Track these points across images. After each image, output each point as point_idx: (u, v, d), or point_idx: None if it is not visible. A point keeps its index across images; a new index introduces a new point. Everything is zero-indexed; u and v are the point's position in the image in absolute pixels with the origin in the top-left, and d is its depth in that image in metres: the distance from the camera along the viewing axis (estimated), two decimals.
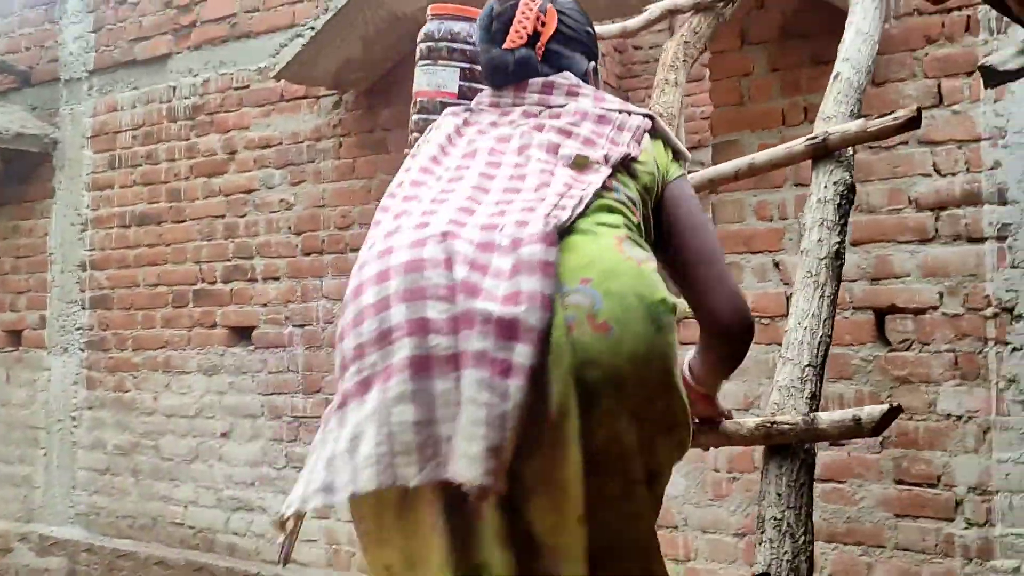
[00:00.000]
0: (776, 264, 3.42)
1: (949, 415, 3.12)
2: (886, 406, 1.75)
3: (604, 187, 1.31)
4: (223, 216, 4.79)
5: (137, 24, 5.17)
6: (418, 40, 1.84)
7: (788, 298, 3.34)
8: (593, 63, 1.57)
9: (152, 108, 5.09)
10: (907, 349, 3.21)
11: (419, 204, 1.31)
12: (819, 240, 2.04)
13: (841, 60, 2.28)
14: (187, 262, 4.91)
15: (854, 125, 2.12)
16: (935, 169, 3.17)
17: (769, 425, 1.83)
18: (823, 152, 2.14)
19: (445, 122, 1.48)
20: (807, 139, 2.16)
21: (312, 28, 3.89)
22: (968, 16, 3.12)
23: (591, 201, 1.27)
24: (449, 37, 1.79)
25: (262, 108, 4.69)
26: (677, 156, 1.48)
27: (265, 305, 4.63)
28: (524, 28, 1.47)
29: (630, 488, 1.22)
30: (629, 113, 1.44)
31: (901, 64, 3.22)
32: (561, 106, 1.44)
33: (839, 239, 2.04)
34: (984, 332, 3.08)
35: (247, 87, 4.74)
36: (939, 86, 3.16)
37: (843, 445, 3.28)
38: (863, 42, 2.30)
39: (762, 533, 1.76)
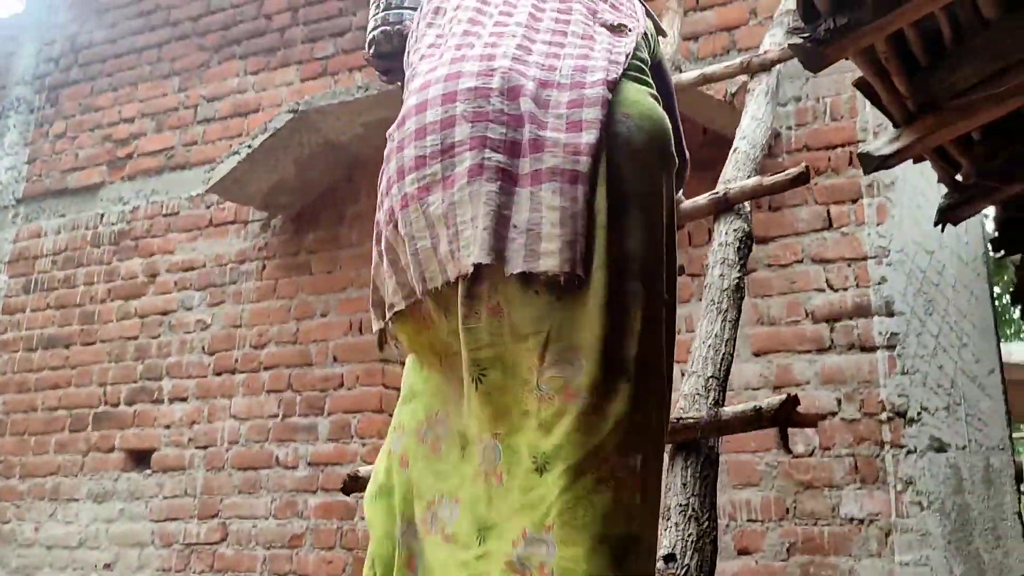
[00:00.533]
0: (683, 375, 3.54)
1: (852, 519, 3.17)
2: (784, 395, 1.83)
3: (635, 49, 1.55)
4: (136, 338, 4.74)
5: (73, 155, 5.30)
6: None
7: None
8: None
9: (77, 234, 5.13)
10: (810, 455, 3.30)
11: (479, 38, 1.50)
12: (721, 275, 2.19)
13: (739, 138, 2.53)
14: (91, 384, 4.78)
15: (751, 181, 2.33)
16: (828, 285, 3.41)
17: (675, 421, 1.89)
18: (724, 205, 2.33)
19: None
20: (710, 194, 2.35)
21: (249, 147, 4.07)
22: (851, 152, 3.49)
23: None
24: None
25: (189, 233, 4.77)
26: (659, 33, 1.80)
27: (168, 427, 4.50)
28: None
29: (651, 298, 1.35)
30: None
31: (795, 193, 3.52)
32: None
33: (739, 275, 2.19)
34: (880, 436, 3.21)
35: (177, 213, 4.85)
36: (828, 211, 3.47)
37: (751, 553, 3.28)
38: (757, 125, 2.57)
39: (667, 520, 1.76)
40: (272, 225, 4.56)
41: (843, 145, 3.50)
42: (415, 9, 1.81)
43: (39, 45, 5.74)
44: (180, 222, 4.82)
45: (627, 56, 1.49)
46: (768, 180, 2.31)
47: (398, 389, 4.44)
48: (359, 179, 4.43)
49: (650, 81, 1.54)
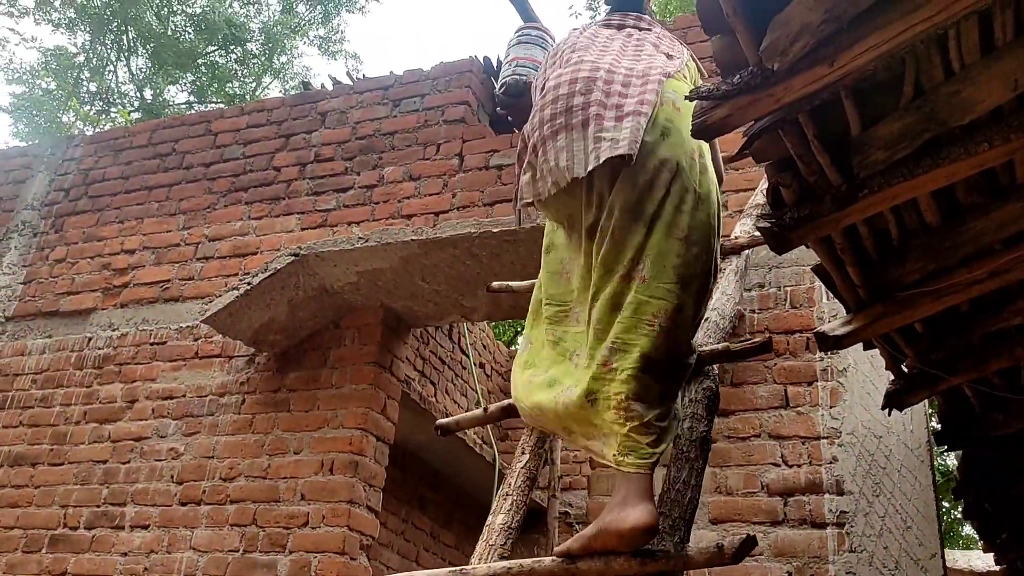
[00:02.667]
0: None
1: None
2: (744, 535, 2.00)
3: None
4: (105, 462, 4.78)
5: (69, 280, 5.50)
6: (515, 33, 3.23)
7: None
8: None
9: (61, 355, 5.25)
10: None
11: (586, 60, 2.51)
12: (690, 427, 2.40)
13: (711, 309, 2.81)
14: (53, 506, 4.78)
15: (720, 346, 2.58)
16: (783, 460, 3.61)
17: (644, 554, 2.05)
18: (696, 367, 2.57)
19: (590, 28, 2.76)
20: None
21: (249, 284, 4.30)
22: (808, 338, 3.78)
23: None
24: (536, 35, 3.20)
25: (174, 363, 4.92)
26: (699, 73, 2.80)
27: (125, 554, 4.48)
28: None
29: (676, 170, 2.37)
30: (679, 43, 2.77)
31: (755, 371, 3.80)
32: (649, 29, 2.75)
33: (705, 429, 2.40)
34: None
35: (164, 343, 5.01)
36: (786, 391, 3.73)
37: None
38: (727, 300, 2.86)
39: None
40: (256, 361, 4.73)
41: (801, 331, 3.80)
42: (534, 69, 3.00)
43: (52, 175, 6.05)
44: (166, 352, 4.98)
45: (676, 68, 2.54)
46: (736, 346, 2.56)
47: (362, 532, 4.49)
48: (346, 325, 4.66)
49: (686, 81, 2.58)
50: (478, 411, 2.79)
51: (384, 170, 5.01)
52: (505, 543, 2.26)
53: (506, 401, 2.74)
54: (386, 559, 6.13)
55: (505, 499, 2.39)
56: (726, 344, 2.59)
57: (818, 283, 3.90)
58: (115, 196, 5.71)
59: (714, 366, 2.58)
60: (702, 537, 3.58)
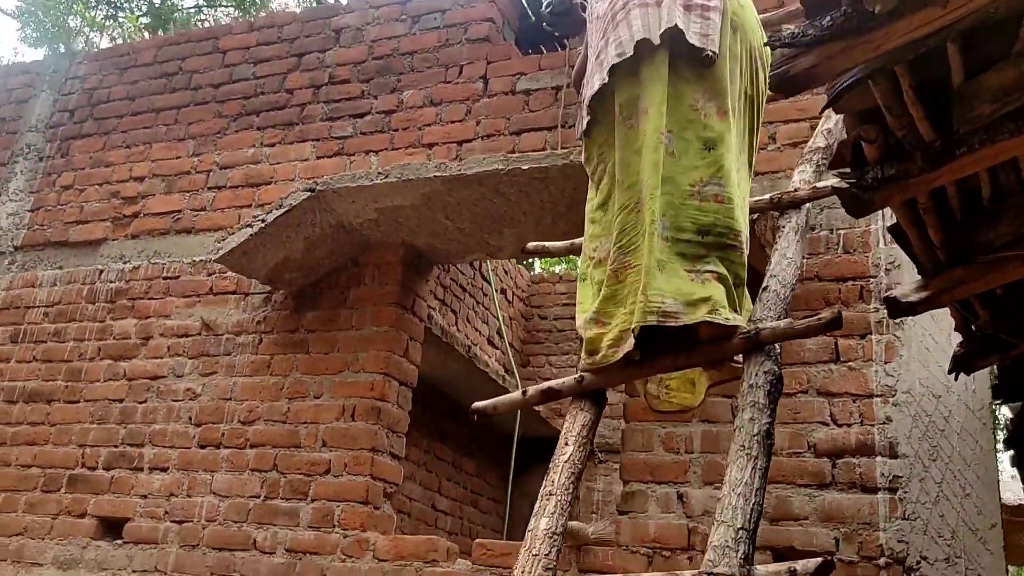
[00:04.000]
0: (680, 496, 3.48)
1: None
2: (820, 559, 1.78)
3: None
4: (121, 400, 4.63)
5: (78, 208, 5.26)
6: None
7: (690, 530, 3.39)
8: None
9: (72, 288, 5.05)
10: None
11: None
12: (751, 419, 2.14)
13: (770, 276, 2.53)
14: (70, 445, 4.65)
15: (783, 323, 2.31)
16: (832, 419, 3.39)
17: (706, 575, 1.83)
18: (755, 345, 2.30)
19: None
20: (741, 334, 2.33)
21: (263, 221, 4.05)
22: (861, 286, 3.51)
23: None
24: None
25: (188, 299, 4.72)
26: None
27: (145, 496, 4.37)
28: None
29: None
30: None
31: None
32: None
33: (768, 420, 2.14)
34: None
35: (177, 277, 4.80)
36: (836, 344, 3.47)
37: None
38: (788, 264, 2.57)
39: None
40: (273, 299, 4.52)
41: (855, 279, 3.53)
42: None
43: (55, 95, 5.75)
44: (180, 286, 4.77)
45: None
46: (800, 323, 2.30)
47: (386, 480, 4.30)
48: (365, 262, 4.42)
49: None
50: (516, 394, 2.57)
51: (403, 94, 4.68)
52: (550, 552, 2.04)
53: (545, 384, 2.51)
54: (408, 490, 6.04)
55: (548, 499, 2.15)
56: (789, 320, 2.32)
57: (875, 225, 3.61)
58: (121, 119, 5.42)
59: (776, 345, 2.31)
60: None
